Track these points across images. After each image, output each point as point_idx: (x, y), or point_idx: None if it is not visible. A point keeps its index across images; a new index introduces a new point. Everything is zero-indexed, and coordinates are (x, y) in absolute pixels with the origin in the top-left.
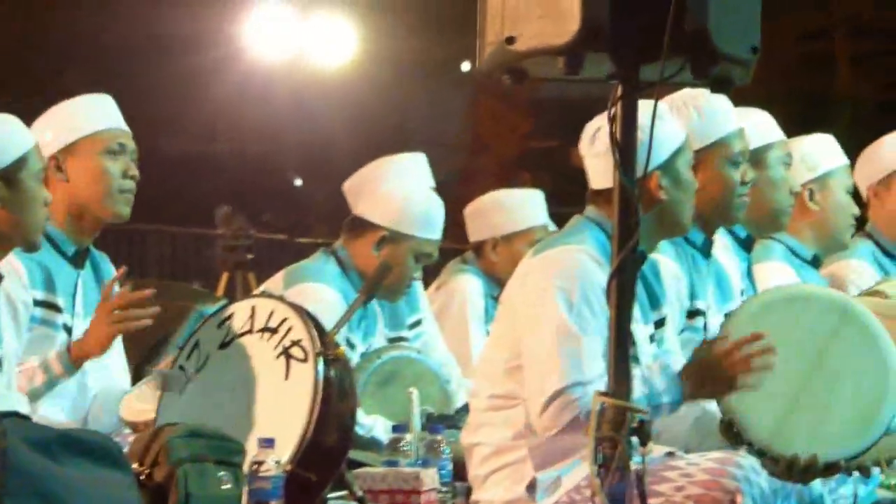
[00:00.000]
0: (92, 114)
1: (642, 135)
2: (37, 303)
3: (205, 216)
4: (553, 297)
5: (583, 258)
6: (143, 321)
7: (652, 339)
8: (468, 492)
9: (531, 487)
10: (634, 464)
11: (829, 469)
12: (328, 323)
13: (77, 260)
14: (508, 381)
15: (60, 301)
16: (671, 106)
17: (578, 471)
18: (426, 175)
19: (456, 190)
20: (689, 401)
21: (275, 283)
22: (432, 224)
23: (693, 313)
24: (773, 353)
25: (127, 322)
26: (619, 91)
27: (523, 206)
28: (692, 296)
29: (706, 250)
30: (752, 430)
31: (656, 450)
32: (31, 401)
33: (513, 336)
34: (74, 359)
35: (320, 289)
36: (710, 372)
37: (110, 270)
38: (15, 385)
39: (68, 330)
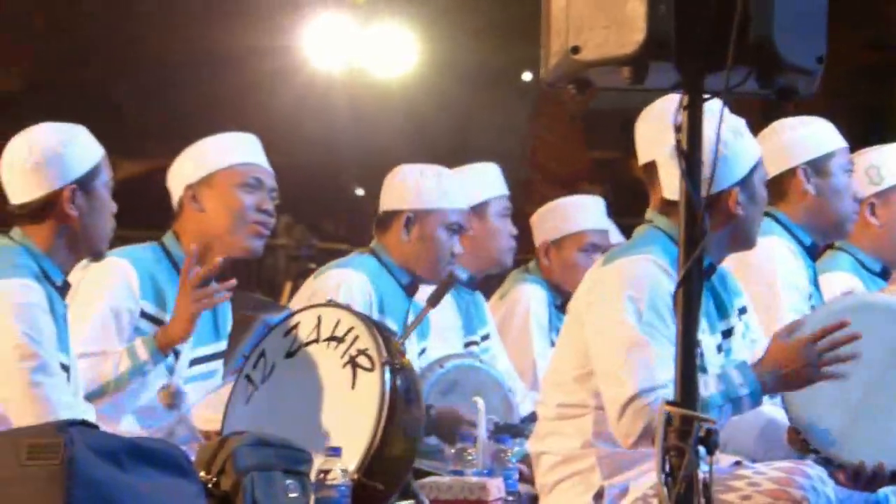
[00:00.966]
0: (232, 148)
1: (724, 149)
2: (145, 315)
3: None
4: (622, 305)
5: (651, 267)
6: (224, 296)
7: (720, 349)
8: (534, 500)
9: (598, 496)
10: (701, 473)
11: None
12: (356, 302)
13: None
14: (577, 390)
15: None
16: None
17: (646, 480)
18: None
19: (516, 201)
20: (769, 391)
21: (307, 284)
22: (450, 194)
23: None
24: (860, 339)
25: (207, 298)
26: (685, 101)
27: (573, 210)
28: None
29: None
30: (818, 438)
31: (723, 459)
32: (115, 390)
33: (581, 344)
34: (161, 345)
35: (342, 272)
36: (792, 358)
37: (226, 304)
38: (82, 393)
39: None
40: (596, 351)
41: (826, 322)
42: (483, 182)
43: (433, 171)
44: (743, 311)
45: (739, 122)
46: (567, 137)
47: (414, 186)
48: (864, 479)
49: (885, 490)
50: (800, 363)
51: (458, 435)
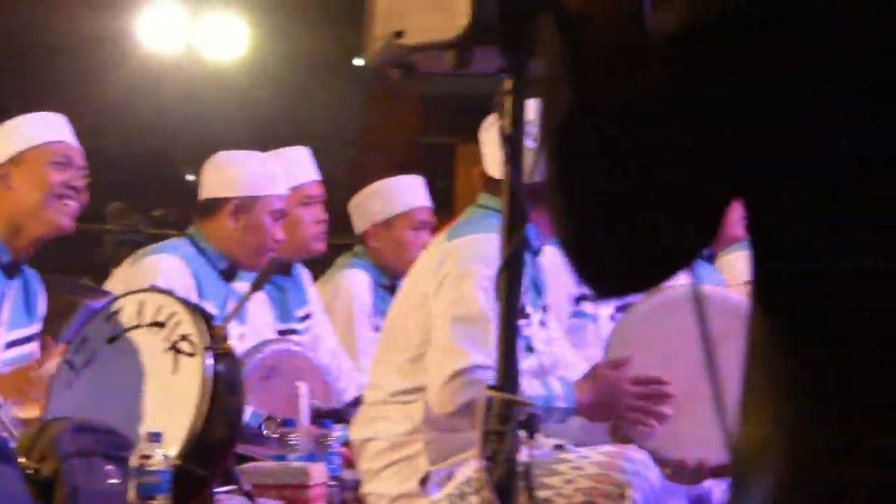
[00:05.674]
0: (40, 127)
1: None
2: None
3: (93, 212)
4: (475, 281)
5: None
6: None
7: (542, 324)
8: (357, 485)
9: (424, 481)
10: (522, 457)
11: (719, 472)
12: (175, 287)
13: (10, 270)
14: (412, 374)
15: None
16: None
17: (471, 465)
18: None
19: (347, 185)
20: (581, 415)
21: (122, 269)
22: (275, 180)
23: (581, 298)
24: (669, 403)
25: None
26: (507, 86)
27: (400, 190)
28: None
29: None
30: (640, 433)
31: (545, 443)
32: None
33: (418, 325)
34: None
35: (160, 258)
36: (607, 400)
37: (38, 287)
38: None
39: None
40: (441, 322)
41: (644, 328)
42: (294, 167)
43: (257, 157)
44: None
45: None
46: (401, 123)
47: (240, 173)
48: (686, 474)
49: (709, 483)
50: (615, 407)
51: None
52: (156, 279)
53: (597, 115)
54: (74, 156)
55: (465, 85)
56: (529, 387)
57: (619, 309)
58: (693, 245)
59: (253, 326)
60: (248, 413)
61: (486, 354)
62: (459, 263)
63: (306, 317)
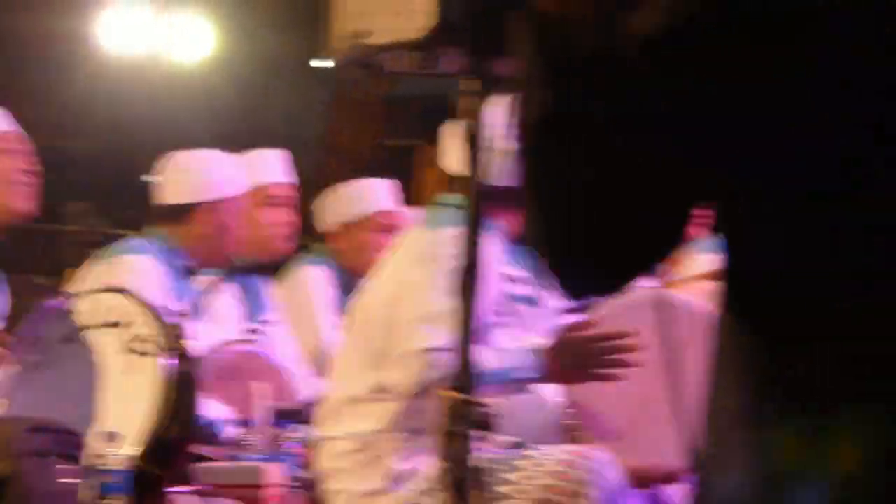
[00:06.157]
0: None
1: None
2: None
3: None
4: (444, 269)
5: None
6: None
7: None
8: (316, 484)
9: (388, 478)
10: (478, 456)
11: (676, 476)
12: (135, 287)
13: None
14: (378, 372)
15: None
16: None
17: (432, 464)
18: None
19: (310, 187)
20: (547, 381)
21: (89, 269)
22: (239, 181)
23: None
24: (636, 353)
25: None
26: (470, 86)
27: (366, 192)
28: None
29: None
30: (597, 438)
31: (503, 441)
32: None
33: (386, 321)
34: None
35: (124, 258)
36: (573, 353)
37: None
38: None
39: None
40: (406, 305)
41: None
42: (259, 167)
43: (219, 157)
44: None
45: None
46: (364, 125)
47: (205, 175)
48: (644, 477)
49: (668, 487)
50: (581, 358)
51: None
52: (131, 280)
53: (570, 116)
54: (15, 141)
55: (430, 86)
56: (496, 358)
57: (578, 309)
58: (663, 245)
59: (218, 324)
60: (213, 412)
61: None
62: (434, 252)
63: (267, 322)
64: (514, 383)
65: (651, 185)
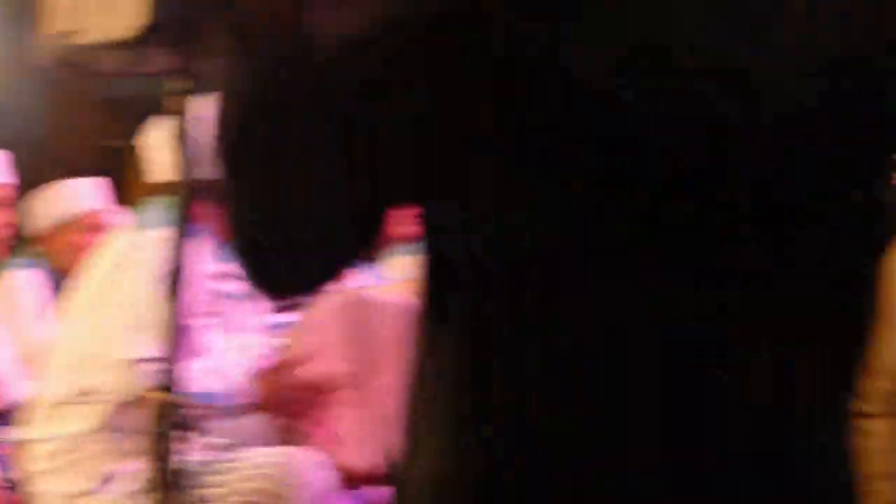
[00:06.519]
0: None
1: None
2: None
3: None
4: (149, 272)
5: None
6: None
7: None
8: (21, 485)
9: (94, 480)
10: (183, 456)
11: (381, 477)
12: None
13: None
14: (83, 376)
15: None
16: None
17: (142, 465)
18: None
19: (24, 189)
20: (252, 410)
21: None
22: None
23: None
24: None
25: None
26: (177, 86)
27: (75, 193)
28: None
29: None
30: (307, 438)
31: (210, 442)
32: None
33: (96, 321)
34: None
35: None
36: (281, 399)
37: None
38: None
39: None
40: (115, 312)
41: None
42: None
43: None
44: None
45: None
46: (83, 125)
47: None
48: (352, 478)
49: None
50: (289, 400)
51: None
52: None
53: (266, 121)
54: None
55: (149, 86)
56: (206, 381)
57: (285, 308)
58: (354, 250)
59: None
60: None
61: (154, 346)
62: (138, 259)
63: None
64: (224, 408)
65: (344, 186)
